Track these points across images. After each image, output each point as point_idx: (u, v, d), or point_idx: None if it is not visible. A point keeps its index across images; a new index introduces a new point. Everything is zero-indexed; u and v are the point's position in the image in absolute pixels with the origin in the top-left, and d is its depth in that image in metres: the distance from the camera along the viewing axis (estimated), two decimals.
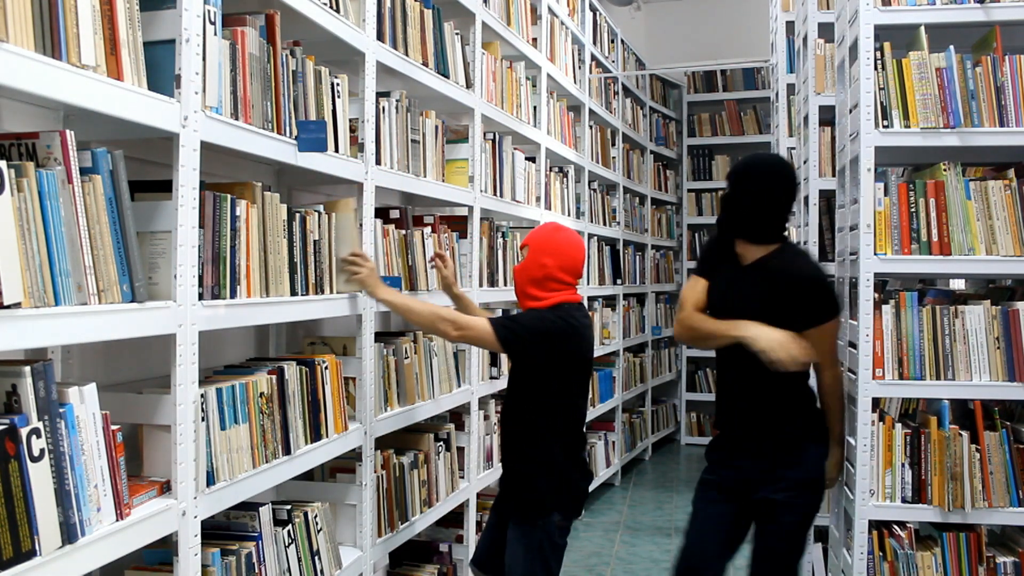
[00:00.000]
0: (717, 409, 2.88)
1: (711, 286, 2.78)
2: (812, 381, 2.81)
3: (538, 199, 4.56)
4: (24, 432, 1.41)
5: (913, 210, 2.85)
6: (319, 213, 2.48)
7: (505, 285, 4.01)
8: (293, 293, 2.32)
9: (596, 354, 5.75)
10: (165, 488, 1.86)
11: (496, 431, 3.96)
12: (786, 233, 2.76)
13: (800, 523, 2.71)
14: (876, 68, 2.86)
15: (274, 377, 2.25)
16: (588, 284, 5.58)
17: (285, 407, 2.28)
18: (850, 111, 3.16)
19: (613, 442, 6.23)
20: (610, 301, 6.27)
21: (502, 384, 3.97)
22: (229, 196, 2.03)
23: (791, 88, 5.10)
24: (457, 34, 3.48)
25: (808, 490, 2.68)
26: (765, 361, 2.55)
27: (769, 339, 2.55)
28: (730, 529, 2.76)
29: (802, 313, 2.63)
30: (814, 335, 2.62)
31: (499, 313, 4.07)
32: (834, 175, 3.85)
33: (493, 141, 3.87)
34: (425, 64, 3.14)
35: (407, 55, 2.99)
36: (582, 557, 4.66)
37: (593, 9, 5.94)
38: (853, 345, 3.05)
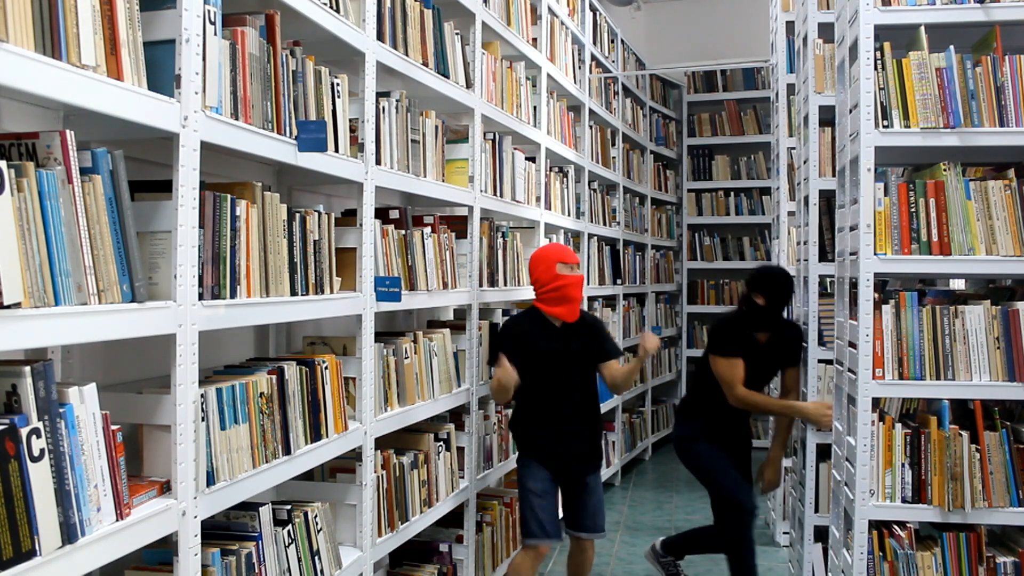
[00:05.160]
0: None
1: (748, 361, 3.77)
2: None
3: (538, 199, 4.56)
4: (24, 432, 1.41)
5: (913, 210, 2.85)
6: (319, 213, 2.49)
7: (505, 285, 4.01)
8: (293, 293, 2.32)
9: None
10: (165, 488, 1.86)
11: (496, 430, 3.96)
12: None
13: None
14: (876, 68, 2.86)
15: (274, 377, 2.25)
16: (588, 284, 5.58)
17: (285, 407, 2.29)
18: (850, 111, 3.16)
19: (613, 442, 6.23)
20: (610, 301, 6.27)
21: None
22: (229, 196, 2.03)
23: (791, 88, 5.10)
24: (457, 34, 3.48)
25: None
26: (819, 426, 3.88)
27: (814, 413, 3.80)
28: None
29: (798, 355, 4.01)
30: (794, 371, 4.02)
31: (500, 314, 4.07)
32: (834, 175, 3.85)
33: (493, 141, 3.87)
34: (425, 64, 3.14)
35: (407, 55, 2.99)
36: None
37: (593, 9, 5.94)
38: (853, 345, 3.05)
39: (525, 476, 3.48)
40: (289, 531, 2.30)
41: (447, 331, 3.51)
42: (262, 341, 2.91)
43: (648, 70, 7.45)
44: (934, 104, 2.83)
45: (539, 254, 3.57)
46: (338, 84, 2.55)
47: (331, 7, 2.48)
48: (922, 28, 2.85)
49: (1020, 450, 2.81)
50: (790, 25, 5.08)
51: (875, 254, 2.87)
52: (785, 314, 4.08)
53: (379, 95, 2.81)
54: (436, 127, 3.30)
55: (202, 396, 1.93)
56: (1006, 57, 2.79)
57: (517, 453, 3.63)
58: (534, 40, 4.61)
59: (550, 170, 4.90)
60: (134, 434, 1.96)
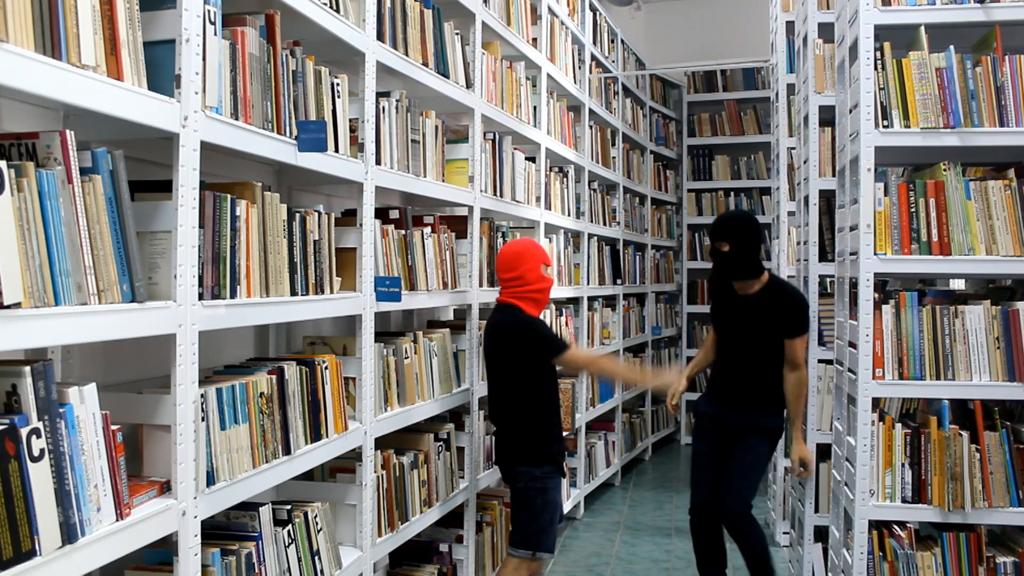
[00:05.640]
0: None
1: (716, 314, 3.85)
2: None
3: (538, 199, 4.56)
4: (24, 432, 1.41)
5: (913, 210, 2.85)
6: (319, 213, 2.49)
7: None
8: (293, 293, 2.32)
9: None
10: (165, 488, 1.86)
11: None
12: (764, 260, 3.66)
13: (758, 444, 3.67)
14: (876, 68, 2.86)
15: (274, 377, 2.25)
16: (588, 284, 5.58)
17: (285, 407, 2.29)
18: (850, 111, 3.16)
19: (613, 442, 6.23)
20: (610, 301, 6.27)
21: None
22: (229, 196, 2.03)
23: (791, 88, 5.10)
24: (457, 34, 3.48)
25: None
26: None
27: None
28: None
29: (788, 327, 3.61)
30: (796, 343, 3.61)
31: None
32: (834, 175, 3.85)
33: (493, 141, 3.87)
34: (425, 64, 3.14)
35: (407, 55, 2.99)
36: (582, 557, 4.66)
37: (593, 9, 5.94)
38: (853, 345, 3.05)
39: (553, 489, 3.29)
40: (289, 531, 2.30)
41: (447, 331, 3.51)
42: (262, 341, 2.90)
43: (648, 70, 7.45)
44: (934, 104, 2.83)
45: (522, 251, 3.33)
46: (338, 84, 2.55)
47: (331, 7, 2.48)
48: (922, 28, 2.85)
49: (1020, 450, 2.81)
50: (790, 25, 5.07)
51: (875, 254, 2.87)
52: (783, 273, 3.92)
53: (379, 95, 2.81)
54: (436, 127, 3.30)
55: (202, 396, 1.93)
56: (1006, 57, 2.79)
57: (532, 464, 3.27)
58: (534, 40, 4.61)
59: (550, 170, 4.90)
60: (134, 434, 1.96)
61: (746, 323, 3.70)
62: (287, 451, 2.28)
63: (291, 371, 2.33)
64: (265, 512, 2.20)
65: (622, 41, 6.81)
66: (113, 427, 1.65)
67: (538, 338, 3.25)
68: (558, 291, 4.89)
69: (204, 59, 1.89)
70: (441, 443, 3.37)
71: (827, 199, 4.00)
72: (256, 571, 2.13)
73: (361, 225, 2.73)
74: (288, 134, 2.28)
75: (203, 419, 1.94)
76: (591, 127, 5.80)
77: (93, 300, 1.58)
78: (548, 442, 3.31)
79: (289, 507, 2.36)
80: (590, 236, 5.65)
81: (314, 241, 2.44)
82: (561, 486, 3.37)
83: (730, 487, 3.60)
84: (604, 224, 6.06)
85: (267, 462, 2.19)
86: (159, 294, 1.83)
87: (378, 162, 2.81)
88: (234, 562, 2.05)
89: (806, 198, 4.24)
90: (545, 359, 3.26)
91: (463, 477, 3.62)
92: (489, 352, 3.37)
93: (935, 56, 2.82)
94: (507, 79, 4.09)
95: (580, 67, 5.64)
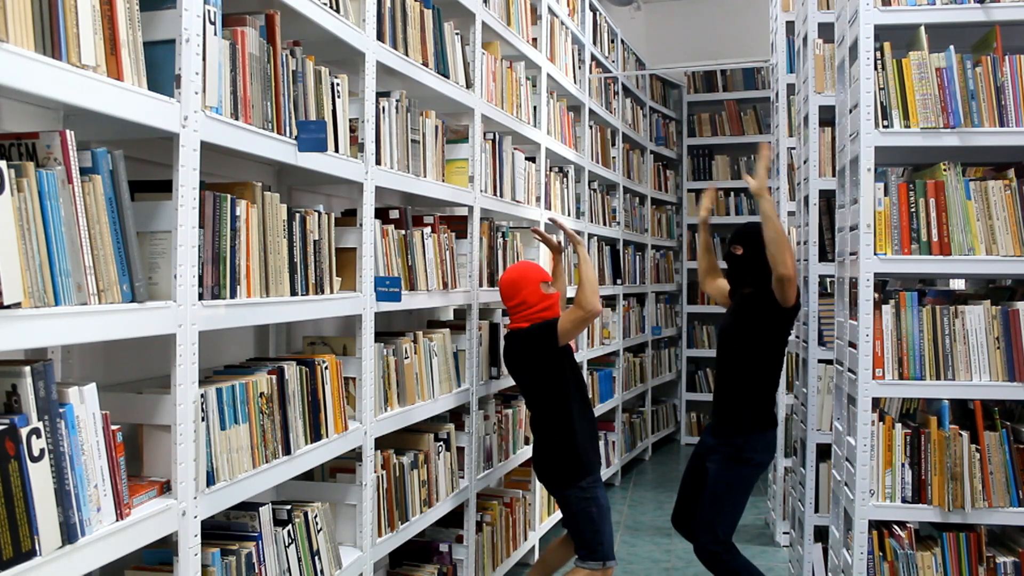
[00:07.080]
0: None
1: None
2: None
3: (538, 199, 4.55)
4: (24, 432, 1.41)
5: (913, 210, 2.85)
6: (319, 213, 2.49)
7: None
8: (293, 293, 2.32)
9: (596, 354, 5.78)
10: (165, 488, 1.86)
11: (496, 431, 3.96)
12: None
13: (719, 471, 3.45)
14: (876, 68, 2.86)
15: (274, 377, 2.25)
16: None
17: (285, 407, 2.29)
18: (850, 111, 3.16)
19: (613, 442, 6.23)
20: (610, 301, 6.27)
21: (502, 384, 3.97)
22: (229, 196, 2.03)
23: (791, 88, 5.10)
24: (457, 34, 3.48)
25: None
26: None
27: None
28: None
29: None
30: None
31: (500, 314, 4.06)
32: (834, 175, 3.85)
33: (493, 141, 3.87)
34: (425, 64, 3.14)
35: (407, 55, 2.99)
36: None
37: (593, 9, 5.94)
38: (853, 345, 3.05)
39: (600, 495, 3.41)
40: (289, 531, 2.30)
41: (447, 331, 3.51)
42: (262, 341, 2.91)
43: (648, 70, 7.45)
44: (934, 104, 2.83)
45: (518, 277, 3.47)
46: (338, 84, 2.55)
47: (331, 7, 2.48)
48: (922, 28, 2.85)
49: (1020, 450, 2.81)
50: (790, 25, 5.08)
51: (875, 254, 2.87)
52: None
53: (379, 95, 2.81)
54: (436, 127, 3.30)
55: (202, 396, 1.93)
56: (1006, 57, 2.79)
57: (575, 480, 3.37)
58: (534, 40, 4.61)
59: (550, 170, 4.90)
60: (134, 434, 1.96)
61: (722, 332, 3.65)
62: (287, 451, 2.28)
63: (291, 371, 2.33)
64: (265, 512, 2.20)
65: (622, 41, 6.81)
66: (113, 427, 1.65)
67: (543, 325, 3.41)
68: None
69: (204, 59, 1.89)
70: (441, 443, 3.37)
71: (827, 199, 4.00)
72: (256, 571, 2.13)
73: (361, 225, 2.73)
74: (288, 134, 2.28)
75: (203, 419, 1.94)
76: (591, 127, 5.80)
77: (93, 300, 1.58)
78: (582, 453, 3.40)
79: (289, 507, 2.36)
80: (590, 236, 5.65)
81: (314, 241, 2.44)
82: (603, 485, 3.51)
83: (699, 519, 3.49)
84: (604, 224, 6.06)
85: (267, 462, 2.19)
86: (159, 294, 1.83)
87: (378, 162, 2.81)
88: (234, 562, 2.05)
89: (806, 198, 4.24)
90: (554, 338, 3.37)
91: (463, 477, 3.62)
92: (516, 373, 3.53)
93: (935, 56, 2.82)
94: (507, 79, 4.09)
95: (580, 67, 5.64)
